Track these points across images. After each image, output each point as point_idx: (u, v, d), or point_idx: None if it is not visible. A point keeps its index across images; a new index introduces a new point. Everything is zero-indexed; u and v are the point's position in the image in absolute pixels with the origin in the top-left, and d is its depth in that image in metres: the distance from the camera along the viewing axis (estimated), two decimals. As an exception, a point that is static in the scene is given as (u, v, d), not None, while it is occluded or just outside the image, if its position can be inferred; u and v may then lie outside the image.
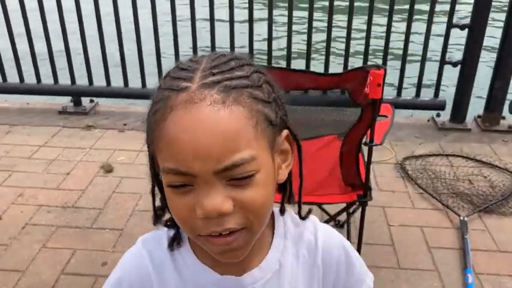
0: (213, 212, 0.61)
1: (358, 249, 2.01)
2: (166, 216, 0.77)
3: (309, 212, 0.83)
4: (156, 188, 0.72)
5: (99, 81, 3.47)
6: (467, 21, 3.08)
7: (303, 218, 0.81)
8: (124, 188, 2.66)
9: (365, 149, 1.86)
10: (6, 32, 3.29)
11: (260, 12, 3.13)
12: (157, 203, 0.76)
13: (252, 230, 0.65)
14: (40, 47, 3.37)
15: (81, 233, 2.31)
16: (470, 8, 3.07)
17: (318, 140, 2.05)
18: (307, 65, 3.15)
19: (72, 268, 2.09)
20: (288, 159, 0.71)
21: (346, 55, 3.17)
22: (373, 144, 1.70)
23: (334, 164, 1.94)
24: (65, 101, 3.57)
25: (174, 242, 0.77)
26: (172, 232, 0.77)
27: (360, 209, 1.93)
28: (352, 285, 0.84)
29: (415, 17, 3.06)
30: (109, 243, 2.24)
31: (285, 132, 0.70)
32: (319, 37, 3.80)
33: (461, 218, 2.39)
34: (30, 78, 3.50)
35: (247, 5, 3.09)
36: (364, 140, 1.76)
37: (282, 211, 0.80)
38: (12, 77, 3.49)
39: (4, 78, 3.49)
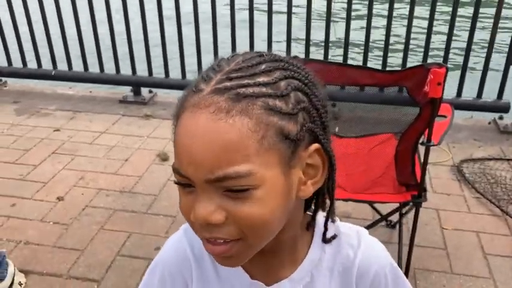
0: (202, 220, 0.60)
1: (410, 252, 1.97)
2: None
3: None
4: None
5: (159, 73, 3.58)
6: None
7: (326, 241, 0.76)
8: (178, 177, 2.73)
9: (421, 149, 1.83)
10: (74, 23, 3.46)
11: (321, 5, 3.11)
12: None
13: (248, 243, 0.62)
14: (104, 37, 3.52)
15: (137, 217, 2.41)
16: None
17: (374, 137, 2.03)
18: (365, 61, 3.11)
19: (127, 250, 2.18)
20: (317, 175, 0.66)
21: (405, 51, 3.10)
22: (430, 144, 1.66)
23: (389, 163, 1.91)
24: (126, 90, 3.70)
25: None
26: None
27: (413, 210, 1.89)
28: None
29: (480, 14, 2.94)
30: (162, 229, 2.32)
31: (314, 146, 0.64)
32: (377, 33, 3.73)
33: (521, 225, 2.29)
34: (93, 67, 3.66)
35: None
36: (421, 140, 1.72)
37: (310, 224, 0.76)
38: (78, 66, 3.65)
39: (70, 67, 3.67)
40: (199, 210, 0.59)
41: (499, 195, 2.55)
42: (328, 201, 0.73)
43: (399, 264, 1.96)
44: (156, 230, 2.32)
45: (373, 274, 0.75)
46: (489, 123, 3.27)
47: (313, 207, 0.75)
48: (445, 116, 1.93)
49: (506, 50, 3.05)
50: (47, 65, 3.72)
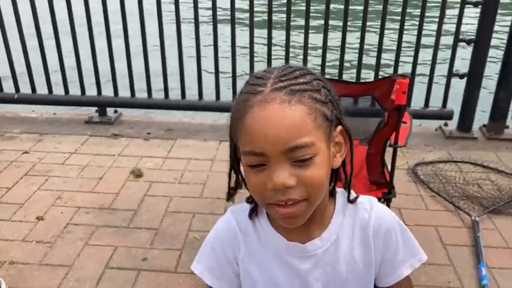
0: (280, 184, 0.80)
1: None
2: (244, 195, 0.97)
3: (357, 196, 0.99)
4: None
5: (124, 93, 3.65)
6: (472, 36, 3.30)
7: (351, 202, 0.97)
8: (155, 192, 2.83)
9: (388, 152, 2.05)
10: (37, 44, 3.48)
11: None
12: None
13: (310, 202, 0.83)
14: (69, 61, 3.56)
15: (120, 231, 2.48)
16: (475, 25, 3.29)
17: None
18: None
19: (115, 263, 2.25)
20: (341, 150, 0.89)
21: (359, 68, 3.38)
22: (397, 145, 1.89)
23: (359, 167, 2.12)
24: (91, 111, 3.74)
25: (253, 213, 0.98)
26: (252, 206, 0.98)
27: (383, 207, 2.10)
28: (397, 264, 0.98)
29: (424, 32, 3.27)
30: (146, 241, 2.41)
31: (339, 127, 0.88)
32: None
33: (473, 217, 2.56)
34: (57, 89, 3.68)
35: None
36: (389, 143, 1.94)
37: (333, 193, 0.97)
38: (42, 88, 3.66)
39: (33, 90, 3.67)
40: (277, 177, 0.79)
41: (450, 192, 2.83)
42: (343, 175, 0.95)
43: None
44: (141, 242, 2.40)
45: (384, 230, 0.96)
46: (436, 129, 3.60)
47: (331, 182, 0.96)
48: (405, 122, 2.17)
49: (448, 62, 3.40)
50: (8, 88, 3.70)
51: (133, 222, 2.55)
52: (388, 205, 2.03)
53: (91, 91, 3.66)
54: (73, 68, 3.56)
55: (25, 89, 3.67)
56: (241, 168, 0.91)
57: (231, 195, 0.97)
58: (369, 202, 0.98)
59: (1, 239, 2.41)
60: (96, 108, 3.72)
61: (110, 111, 3.74)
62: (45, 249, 2.34)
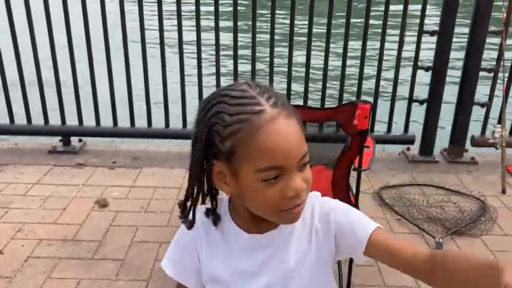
0: (301, 190, 0.89)
1: (350, 270, 2.20)
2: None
3: None
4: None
5: (89, 121, 3.61)
6: (430, 63, 3.44)
7: None
8: (120, 221, 2.77)
9: (353, 176, 2.09)
10: (-1, 75, 3.42)
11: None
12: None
13: (306, 200, 0.93)
14: (31, 90, 3.51)
15: (84, 263, 2.41)
16: (433, 51, 3.43)
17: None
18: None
19: (79, 296, 2.18)
20: None
21: (323, 95, 3.46)
22: (361, 169, 1.93)
23: (325, 190, 2.15)
24: (54, 140, 3.67)
25: (216, 219, 1.03)
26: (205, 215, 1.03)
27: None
28: (351, 226, 0.98)
29: (385, 58, 3.39)
30: (112, 272, 2.35)
31: None
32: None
33: (437, 239, 2.62)
34: (20, 119, 3.61)
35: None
36: (353, 167, 1.98)
37: None
38: (3, 118, 3.58)
39: (-6, 120, 3.59)
40: (296, 184, 0.88)
41: (415, 215, 2.89)
42: None
43: (341, 282, 2.17)
44: (106, 274, 2.34)
45: (326, 210, 1.00)
46: (399, 154, 3.69)
47: None
48: (368, 147, 2.22)
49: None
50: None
51: (98, 254, 2.49)
52: (354, 228, 2.06)
53: (54, 120, 3.60)
54: (36, 96, 3.50)
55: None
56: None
57: (187, 213, 1.01)
58: (314, 195, 1.05)
59: (-43, 275, 2.31)
60: (60, 137, 3.65)
61: (74, 140, 3.68)
62: (4, 284, 2.25)
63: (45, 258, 2.44)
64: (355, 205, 2.02)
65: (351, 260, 2.18)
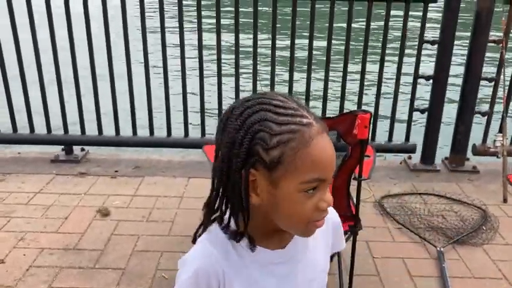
0: (331, 202, 0.92)
1: (350, 280, 2.20)
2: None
3: None
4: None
5: (91, 130, 3.63)
6: (431, 73, 3.45)
7: None
8: (122, 230, 2.78)
9: (353, 185, 2.10)
10: (2, 82, 3.45)
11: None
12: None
13: None
14: (34, 99, 3.53)
15: (85, 272, 2.42)
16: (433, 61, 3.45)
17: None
18: None
19: (80, 305, 2.19)
20: None
21: (324, 103, 3.47)
22: (362, 178, 1.94)
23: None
24: (57, 149, 3.69)
25: (237, 237, 0.95)
26: (222, 231, 0.96)
27: (350, 241, 2.13)
28: (339, 237, 1.15)
29: (386, 68, 3.41)
30: (113, 281, 2.35)
31: None
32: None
33: (438, 248, 2.62)
34: (23, 128, 3.63)
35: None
36: (353, 176, 1.99)
37: None
38: (7, 127, 3.61)
39: (-3, 129, 3.61)
40: (329, 197, 0.91)
41: (416, 224, 2.89)
42: None
43: (341, 291, 2.17)
44: (107, 283, 2.34)
45: (337, 224, 1.12)
46: (400, 163, 3.69)
47: None
48: (368, 156, 2.23)
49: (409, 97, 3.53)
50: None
51: (100, 263, 2.49)
52: (354, 238, 2.06)
53: (57, 129, 3.62)
54: (39, 106, 3.53)
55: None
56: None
57: (227, 224, 0.96)
58: None
59: (-41, 284, 2.31)
60: (63, 146, 3.67)
61: (76, 149, 3.70)
62: (6, 293, 2.26)
63: (47, 267, 2.45)
64: (356, 214, 2.02)
65: (351, 269, 2.18)
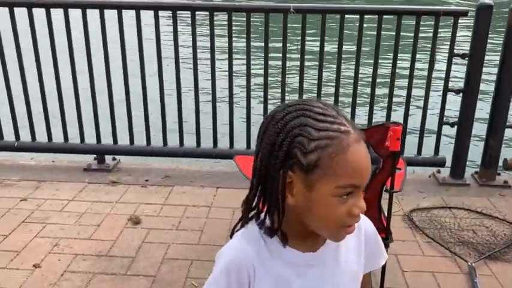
0: (364, 209, 0.95)
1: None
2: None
3: None
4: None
5: (123, 140, 3.72)
6: (461, 85, 3.43)
7: None
8: (152, 239, 2.83)
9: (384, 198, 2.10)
10: (39, 92, 3.57)
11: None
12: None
13: None
14: (69, 109, 3.65)
15: (117, 279, 2.47)
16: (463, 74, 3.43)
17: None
18: None
19: (113, 311, 2.23)
20: None
21: (352, 117, 3.48)
22: (393, 190, 1.94)
23: (355, 211, 2.16)
24: (89, 158, 3.79)
25: (274, 232, 1.00)
26: (258, 227, 1.02)
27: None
28: (377, 252, 1.17)
29: (416, 81, 3.41)
30: (144, 289, 2.40)
31: None
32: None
33: (469, 263, 2.58)
34: (57, 137, 3.74)
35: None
36: (384, 188, 1.99)
37: None
38: (42, 136, 3.73)
39: (33, 137, 3.73)
40: (362, 203, 0.94)
41: (446, 238, 2.86)
42: None
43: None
44: (138, 289, 2.39)
45: (371, 233, 1.14)
46: (429, 176, 3.66)
47: None
48: (400, 169, 2.23)
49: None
50: (8, 136, 3.76)
51: (131, 270, 2.54)
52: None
53: (90, 139, 3.72)
54: (73, 115, 3.64)
55: (25, 136, 3.73)
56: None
57: (262, 221, 1.01)
58: None
59: (-3, 287, 2.39)
60: (95, 155, 3.76)
61: (108, 158, 3.79)
62: (42, 297, 2.32)
63: (81, 272, 2.51)
64: (387, 227, 2.02)
65: (382, 282, 2.17)
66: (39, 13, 3.41)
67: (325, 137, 0.90)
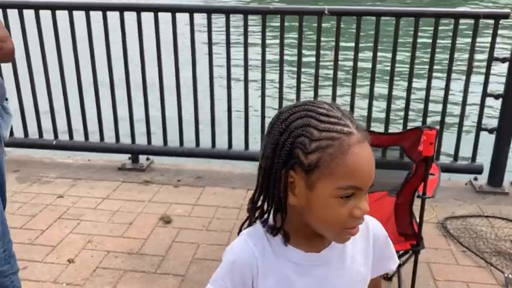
0: (367, 211, 0.94)
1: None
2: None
3: None
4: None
5: (156, 140, 3.78)
6: (501, 91, 3.32)
7: None
8: (183, 238, 2.86)
9: (416, 205, 2.06)
10: (78, 97, 3.68)
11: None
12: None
13: None
14: (105, 105, 3.74)
15: (147, 277, 2.51)
16: (503, 78, 3.32)
17: (372, 195, 2.25)
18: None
19: (142, 308, 2.27)
20: None
21: (387, 120, 3.42)
22: (426, 196, 1.89)
23: (386, 217, 2.12)
24: (123, 158, 3.87)
25: (277, 232, 1.01)
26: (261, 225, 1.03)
27: (408, 263, 2.08)
28: (387, 256, 1.13)
29: (453, 86, 3.32)
30: (173, 287, 2.42)
31: None
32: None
33: (506, 275, 2.49)
34: (93, 136, 3.84)
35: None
36: (417, 194, 1.95)
37: None
38: (80, 134, 3.84)
39: (71, 136, 3.84)
40: (364, 205, 0.93)
41: (482, 248, 2.77)
42: None
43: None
44: (167, 288, 2.42)
45: (381, 238, 1.10)
46: (466, 184, 3.55)
47: None
48: (433, 174, 2.18)
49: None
50: (48, 135, 3.88)
51: (161, 268, 2.58)
52: (416, 257, 2.01)
53: (125, 139, 3.80)
54: (109, 116, 3.73)
55: (63, 135, 3.85)
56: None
57: (266, 219, 1.03)
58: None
59: (34, 280, 2.47)
60: (130, 155, 3.84)
61: (142, 158, 3.86)
62: (75, 291, 2.39)
63: (112, 269, 2.56)
64: (418, 234, 1.98)
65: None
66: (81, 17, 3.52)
67: (327, 138, 0.90)
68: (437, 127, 3.36)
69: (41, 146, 3.89)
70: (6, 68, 3.57)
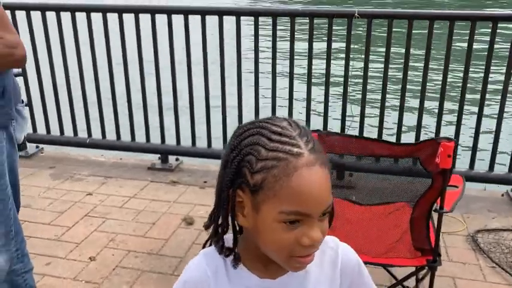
0: (317, 241, 0.87)
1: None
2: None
3: None
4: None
5: (185, 141, 3.82)
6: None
7: None
8: (203, 240, 2.78)
9: (435, 216, 1.96)
10: (111, 97, 3.78)
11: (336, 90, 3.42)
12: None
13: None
14: (137, 110, 3.81)
15: (164, 278, 2.53)
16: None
17: (389, 205, 2.17)
18: (379, 135, 3.32)
19: (155, 309, 2.29)
20: None
21: (418, 127, 3.30)
22: (443, 211, 1.81)
23: (404, 229, 2.04)
24: (153, 158, 3.93)
25: (225, 252, 0.97)
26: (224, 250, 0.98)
27: (429, 276, 1.99)
28: (360, 287, 1.04)
29: (489, 89, 3.16)
30: (188, 290, 2.43)
31: None
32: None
33: (537, 295, 2.35)
34: (125, 136, 3.93)
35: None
36: (434, 207, 1.86)
37: None
38: (111, 134, 3.93)
39: (104, 135, 3.94)
40: (316, 234, 0.86)
41: (513, 265, 2.62)
42: None
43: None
44: (182, 290, 2.42)
45: (351, 268, 1.02)
46: (502, 195, 3.38)
47: None
48: (456, 186, 2.08)
49: (515, 126, 3.24)
50: (82, 133, 4.00)
51: (178, 270, 2.59)
52: (432, 275, 1.92)
53: (155, 139, 3.86)
54: (140, 116, 3.80)
55: (96, 134, 3.96)
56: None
57: (218, 239, 0.99)
58: (333, 241, 1.02)
59: (55, 276, 2.55)
60: (159, 155, 3.89)
61: (171, 159, 3.90)
62: (93, 289, 2.44)
63: (131, 269, 2.60)
64: (435, 249, 1.89)
65: None
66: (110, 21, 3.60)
67: (273, 158, 0.85)
68: (472, 136, 3.22)
69: (76, 144, 4.01)
70: (46, 68, 3.72)
